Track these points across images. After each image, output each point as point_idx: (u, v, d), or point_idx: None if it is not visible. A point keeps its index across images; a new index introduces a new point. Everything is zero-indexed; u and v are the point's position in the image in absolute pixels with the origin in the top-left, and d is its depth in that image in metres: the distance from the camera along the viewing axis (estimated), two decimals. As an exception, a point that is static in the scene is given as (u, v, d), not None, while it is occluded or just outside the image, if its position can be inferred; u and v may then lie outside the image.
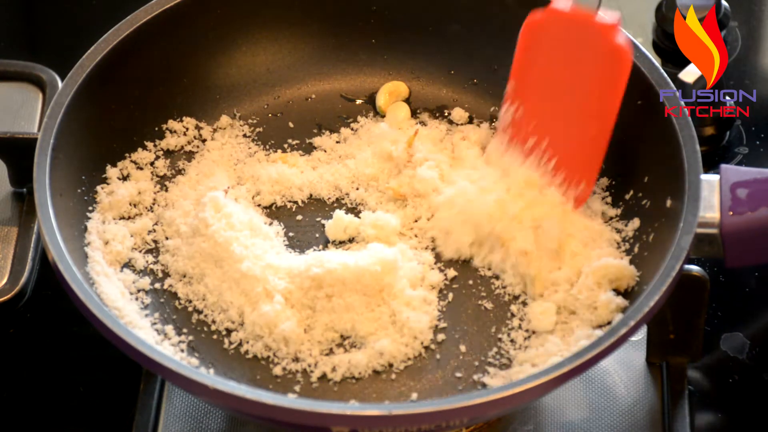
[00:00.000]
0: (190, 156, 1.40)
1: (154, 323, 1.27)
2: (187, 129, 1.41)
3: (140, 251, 1.33)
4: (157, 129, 1.39)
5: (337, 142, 1.42)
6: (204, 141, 1.41)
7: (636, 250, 1.29)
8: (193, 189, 1.37)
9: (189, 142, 1.40)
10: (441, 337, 1.27)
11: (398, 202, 1.37)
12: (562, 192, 1.30)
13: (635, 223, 1.31)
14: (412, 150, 1.38)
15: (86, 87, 1.32)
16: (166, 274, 1.31)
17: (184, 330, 1.28)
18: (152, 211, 1.36)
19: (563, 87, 1.30)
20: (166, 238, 1.33)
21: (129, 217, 1.34)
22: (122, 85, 1.36)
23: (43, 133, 1.28)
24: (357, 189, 1.38)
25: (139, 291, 1.30)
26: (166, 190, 1.37)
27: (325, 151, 1.41)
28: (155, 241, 1.33)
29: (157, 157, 1.39)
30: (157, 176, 1.38)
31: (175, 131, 1.40)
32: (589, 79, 1.28)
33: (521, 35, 1.31)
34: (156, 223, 1.34)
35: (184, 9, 1.38)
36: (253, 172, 1.38)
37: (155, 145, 1.39)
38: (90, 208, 1.32)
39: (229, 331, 1.27)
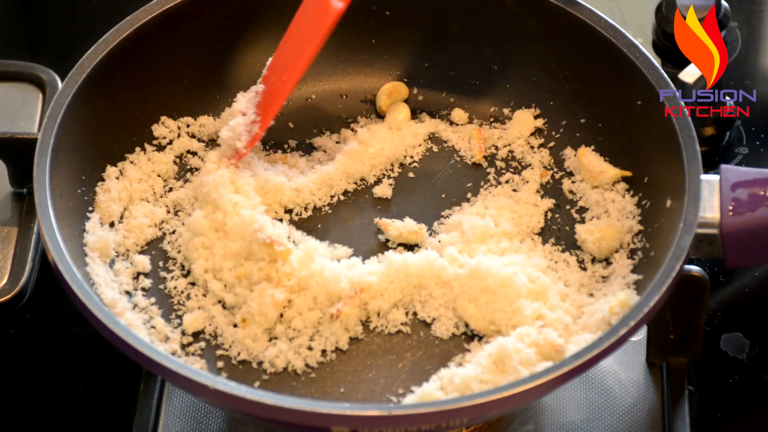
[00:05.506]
0: (189, 156, 1.40)
1: (154, 324, 1.27)
2: (187, 129, 1.41)
3: (140, 251, 1.33)
4: (156, 129, 1.39)
5: (337, 142, 1.42)
6: (204, 141, 1.41)
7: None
8: (193, 189, 1.37)
9: (189, 143, 1.40)
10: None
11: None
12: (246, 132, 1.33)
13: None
14: (483, 144, 1.39)
15: (86, 87, 1.32)
16: (166, 274, 1.32)
17: (184, 331, 1.28)
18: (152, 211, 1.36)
19: (287, 41, 1.34)
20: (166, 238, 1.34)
21: (128, 218, 1.34)
22: (122, 85, 1.36)
23: (43, 133, 1.28)
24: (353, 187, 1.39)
25: (138, 291, 1.30)
26: (164, 190, 1.37)
27: (325, 152, 1.41)
28: (155, 241, 1.34)
29: (157, 158, 1.39)
30: (157, 176, 1.38)
31: (174, 131, 1.40)
32: (301, 30, 1.32)
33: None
34: (156, 223, 1.35)
35: (184, 9, 1.38)
36: (253, 173, 1.38)
37: (155, 146, 1.39)
38: (90, 208, 1.32)
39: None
